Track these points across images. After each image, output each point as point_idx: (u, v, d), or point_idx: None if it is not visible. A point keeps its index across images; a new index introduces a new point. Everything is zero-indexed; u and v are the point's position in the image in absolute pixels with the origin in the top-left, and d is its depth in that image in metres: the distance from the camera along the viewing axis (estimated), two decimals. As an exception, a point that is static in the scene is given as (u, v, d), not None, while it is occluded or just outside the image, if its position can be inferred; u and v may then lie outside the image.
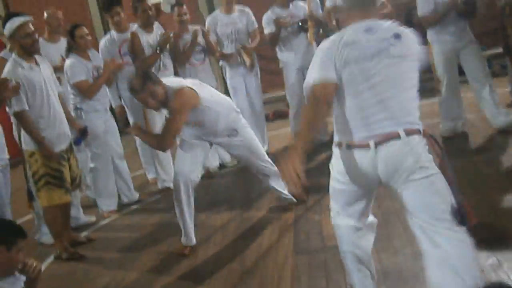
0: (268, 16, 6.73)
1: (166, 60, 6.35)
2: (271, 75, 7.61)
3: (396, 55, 2.78)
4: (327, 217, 4.49)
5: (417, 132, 2.76)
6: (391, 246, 3.89)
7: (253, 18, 6.89)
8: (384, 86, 2.76)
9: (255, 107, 6.96)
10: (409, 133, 2.73)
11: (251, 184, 5.97)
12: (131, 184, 6.31)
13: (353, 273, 3.08)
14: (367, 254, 3.06)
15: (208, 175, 6.50)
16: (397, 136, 2.72)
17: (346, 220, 3.00)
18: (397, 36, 2.82)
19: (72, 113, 5.65)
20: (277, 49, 6.89)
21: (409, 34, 2.88)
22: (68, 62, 5.76)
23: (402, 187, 2.75)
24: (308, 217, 4.75)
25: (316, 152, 6.21)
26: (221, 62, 7.10)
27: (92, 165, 5.92)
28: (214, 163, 6.69)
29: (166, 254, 4.68)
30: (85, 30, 5.84)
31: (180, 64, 6.51)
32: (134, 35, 6.21)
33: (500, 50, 7.04)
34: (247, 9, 6.94)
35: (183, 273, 4.27)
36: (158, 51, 6.19)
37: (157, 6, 10.02)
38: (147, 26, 6.29)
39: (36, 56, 4.94)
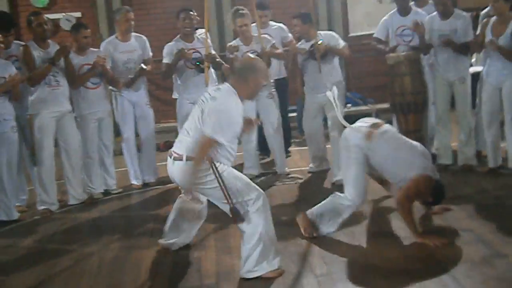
0: (169, 47, 6.67)
1: (60, 77, 6.16)
2: (166, 106, 7.58)
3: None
4: (206, 254, 4.58)
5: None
6: None
7: (148, 46, 6.89)
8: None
9: (143, 135, 6.90)
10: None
11: (133, 212, 5.89)
12: (13, 201, 6.04)
13: None
14: None
15: (91, 201, 6.37)
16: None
17: None
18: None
19: None
20: (173, 80, 6.90)
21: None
22: None
23: None
24: (187, 253, 4.70)
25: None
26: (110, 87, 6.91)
27: None
28: (98, 189, 6.55)
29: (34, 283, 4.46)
30: None
31: (74, 87, 6.35)
32: (26, 47, 6.05)
33: (387, 105, 7.35)
34: (144, 37, 6.93)
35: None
36: (50, 62, 6.03)
37: (56, 23, 9.86)
38: (41, 40, 6.13)
39: None
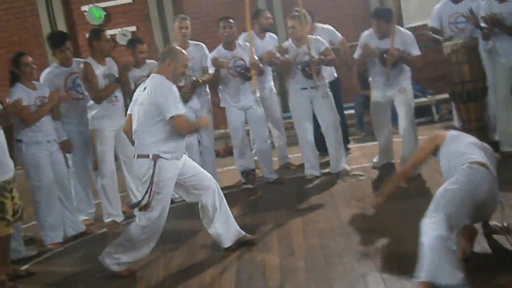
0: (211, 56, 6.72)
1: (118, 92, 6.33)
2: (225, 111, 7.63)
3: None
4: (270, 257, 4.59)
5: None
6: None
7: (207, 52, 6.91)
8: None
9: (204, 142, 6.96)
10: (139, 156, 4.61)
11: (197, 220, 5.94)
12: (77, 216, 6.25)
13: None
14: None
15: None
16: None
17: None
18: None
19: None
20: (219, 88, 6.91)
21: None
22: (10, 90, 5.74)
23: None
24: (251, 256, 4.74)
25: (265, 191, 6.30)
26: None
27: (35, 197, 5.82)
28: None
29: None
30: (30, 58, 5.83)
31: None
32: (87, 64, 6.15)
33: (446, 95, 7.21)
34: (202, 45, 6.98)
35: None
36: (117, 81, 6.22)
37: (112, 38, 10.09)
38: (104, 56, 6.29)
39: None
